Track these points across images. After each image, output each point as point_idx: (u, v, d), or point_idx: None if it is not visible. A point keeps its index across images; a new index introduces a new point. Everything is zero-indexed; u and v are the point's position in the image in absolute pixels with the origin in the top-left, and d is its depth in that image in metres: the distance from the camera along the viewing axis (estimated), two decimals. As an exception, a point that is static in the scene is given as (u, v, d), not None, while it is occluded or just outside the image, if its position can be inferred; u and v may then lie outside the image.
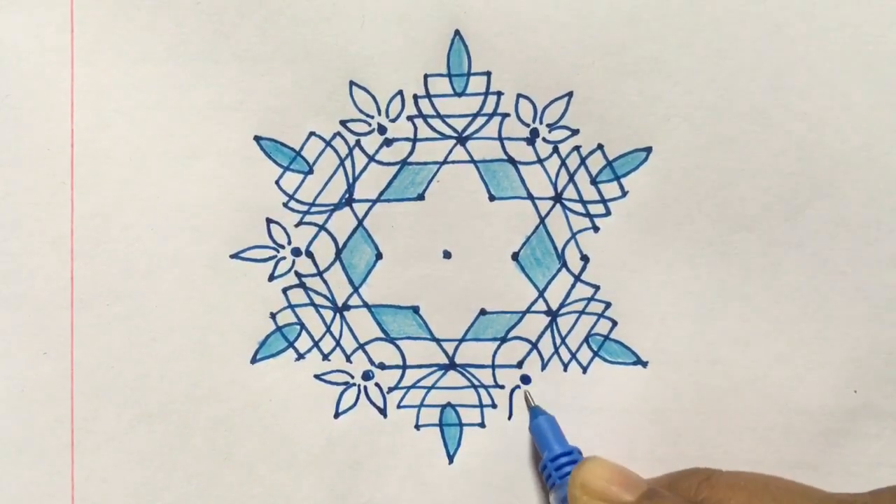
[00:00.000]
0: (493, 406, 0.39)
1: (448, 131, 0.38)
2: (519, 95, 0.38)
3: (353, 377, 0.39)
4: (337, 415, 0.39)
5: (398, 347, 0.39)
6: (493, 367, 0.39)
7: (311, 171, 0.39)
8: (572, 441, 0.37)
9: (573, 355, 0.39)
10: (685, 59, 0.37)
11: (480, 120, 0.38)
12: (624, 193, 0.38)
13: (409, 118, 0.38)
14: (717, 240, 0.38)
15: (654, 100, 0.38)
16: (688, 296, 0.38)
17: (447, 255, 0.39)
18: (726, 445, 0.38)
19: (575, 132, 0.38)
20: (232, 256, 0.39)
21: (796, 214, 0.38)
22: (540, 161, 0.38)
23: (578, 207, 0.38)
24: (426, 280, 0.39)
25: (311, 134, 0.38)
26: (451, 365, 0.39)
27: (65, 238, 0.39)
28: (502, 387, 0.39)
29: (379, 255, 0.39)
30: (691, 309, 0.38)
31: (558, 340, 0.39)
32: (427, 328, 0.39)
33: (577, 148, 0.38)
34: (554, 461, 0.36)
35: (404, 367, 0.39)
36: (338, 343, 0.39)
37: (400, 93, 0.38)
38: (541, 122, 0.38)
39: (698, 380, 0.38)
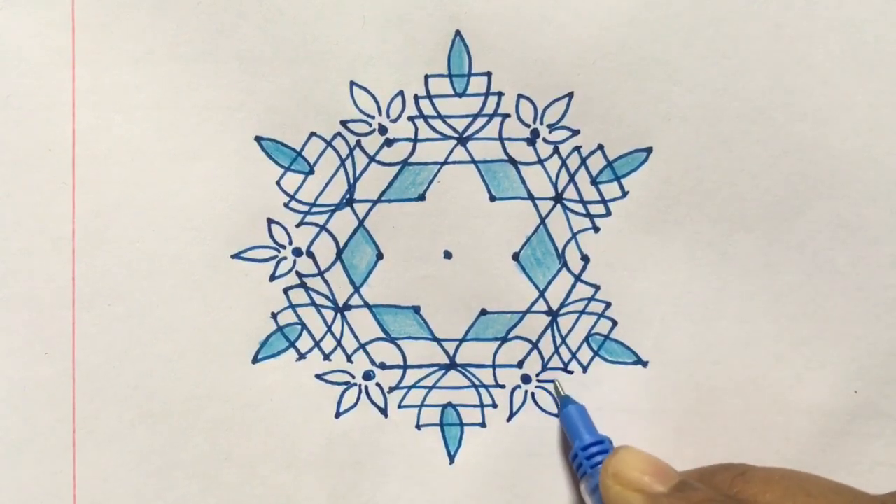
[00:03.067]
0: (494, 406, 0.39)
1: (449, 132, 0.38)
2: (519, 96, 0.38)
3: (353, 377, 0.39)
4: (338, 415, 0.39)
5: (399, 347, 0.39)
6: (494, 366, 0.39)
7: (311, 172, 0.39)
8: (569, 443, 0.37)
9: (573, 355, 0.39)
10: (686, 60, 0.37)
11: (481, 120, 0.38)
12: (624, 193, 0.38)
13: (410, 118, 0.38)
14: (717, 240, 0.38)
15: (654, 100, 0.38)
16: (688, 296, 0.38)
17: (448, 255, 0.39)
18: (726, 445, 0.38)
19: (575, 132, 0.38)
20: (233, 256, 0.39)
21: (796, 215, 0.38)
22: (540, 161, 0.38)
23: (579, 207, 0.38)
24: (427, 280, 0.39)
25: (312, 134, 0.38)
26: (452, 365, 0.39)
27: (66, 238, 0.39)
28: (503, 386, 0.39)
29: (380, 256, 0.39)
30: (691, 309, 0.38)
31: (559, 340, 0.39)
32: (428, 328, 0.39)
33: (577, 148, 0.38)
34: (585, 450, 0.36)
35: (405, 366, 0.39)
36: (339, 343, 0.39)
37: (401, 93, 0.38)
38: (541, 123, 0.38)
39: (698, 380, 0.38)
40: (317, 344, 0.39)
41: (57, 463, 0.39)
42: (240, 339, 0.39)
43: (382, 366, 0.39)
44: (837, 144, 0.37)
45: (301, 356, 0.39)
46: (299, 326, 0.39)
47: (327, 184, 0.39)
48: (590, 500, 0.35)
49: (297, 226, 0.39)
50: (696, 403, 0.38)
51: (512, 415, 0.39)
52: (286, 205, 0.39)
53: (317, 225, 0.39)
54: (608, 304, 0.38)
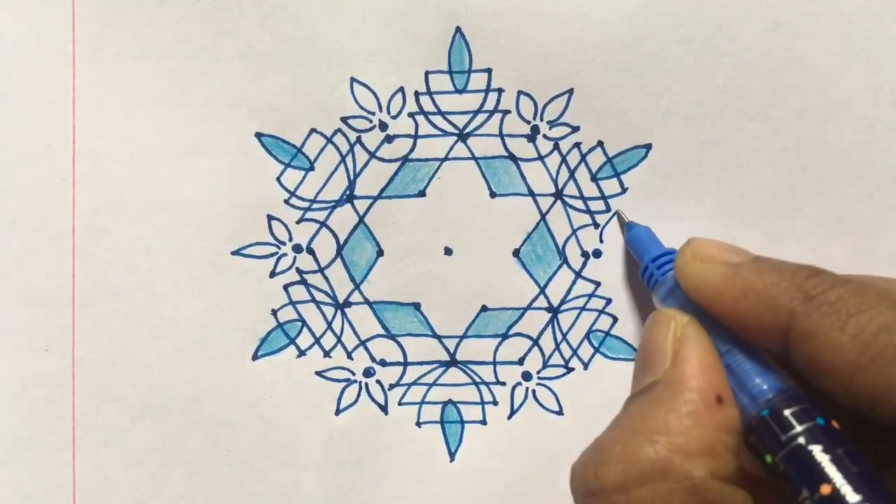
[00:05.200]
0: (495, 403, 0.39)
1: (449, 128, 0.38)
2: (520, 92, 0.38)
3: (354, 374, 0.39)
4: (338, 412, 0.39)
5: (399, 344, 0.39)
6: (495, 363, 0.39)
7: (312, 168, 0.39)
8: (570, 440, 0.37)
9: (574, 352, 0.39)
10: (685, 57, 0.38)
11: (481, 117, 0.38)
12: (624, 190, 0.38)
13: (411, 115, 0.38)
14: (716, 236, 0.38)
15: (653, 97, 0.38)
16: (688, 292, 0.38)
17: (448, 251, 0.39)
18: (727, 441, 0.38)
19: (575, 129, 0.38)
20: (233, 253, 0.39)
21: (795, 211, 0.38)
22: (541, 158, 0.38)
23: (579, 204, 0.38)
24: (427, 277, 0.39)
25: (313, 131, 0.38)
26: (453, 362, 0.39)
27: (66, 235, 0.39)
28: (504, 384, 0.39)
29: (380, 252, 0.39)
30: (691, 306, 0.38)
31: (559, 337, 0.39)
32: (428, 325, 0.39)
33: (577, 145, 0.38)
34: (655, 261, 0.35)
35: (405, 363, 0.39)
36: (339, 340, 0.39)
37: (401, 89, 0.38)
38: (541, 119, 0.38)
39: (698, 376, 0.38)
40: (317, 341, 0.39)
41: (56, 460, 0.39)
42: (240, 336, 0.39)
43: (383, 363, 0.39)
44: (836, 141, 0.38)
45: (301, 353, 0.39)
46: (299, 323, 0.39)
47: (328, 180, 0.39)
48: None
49: (298, 222, 0.39)
50: (697, 400, 0.38)
51: (513, 412, 0.39)
52: (286, 201, 0.39)
53: (317, 221, 0.39)
54: (609, 301, 0.39)
